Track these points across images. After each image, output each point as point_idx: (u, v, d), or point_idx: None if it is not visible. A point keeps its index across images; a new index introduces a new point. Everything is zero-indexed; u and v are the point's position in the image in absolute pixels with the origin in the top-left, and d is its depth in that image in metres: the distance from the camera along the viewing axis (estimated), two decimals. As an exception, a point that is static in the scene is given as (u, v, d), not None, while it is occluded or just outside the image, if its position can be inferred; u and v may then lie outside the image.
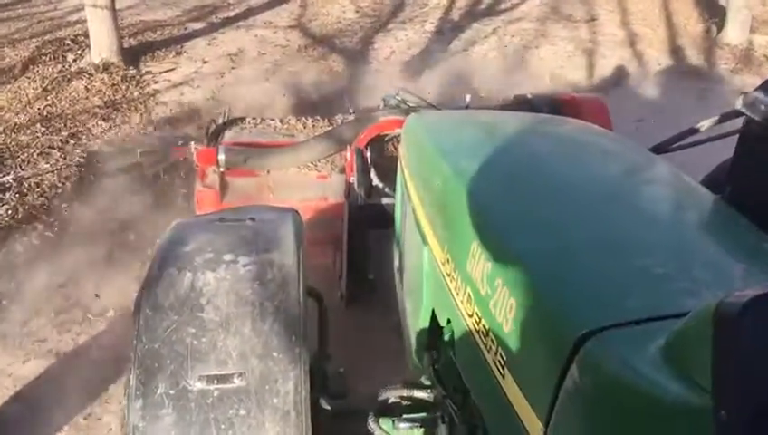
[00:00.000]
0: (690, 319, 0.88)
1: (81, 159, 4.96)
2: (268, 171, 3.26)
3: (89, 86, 6.07)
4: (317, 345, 2.00)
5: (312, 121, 3.63)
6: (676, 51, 7.27)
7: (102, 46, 6.49)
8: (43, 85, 6.03)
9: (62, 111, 5.69)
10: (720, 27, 7.54)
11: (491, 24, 8.21)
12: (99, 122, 5.51)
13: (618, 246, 1.28)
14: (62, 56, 6.64)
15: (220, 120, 3.60)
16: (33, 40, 7.19)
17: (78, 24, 7.33)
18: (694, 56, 7.11)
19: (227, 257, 1.67)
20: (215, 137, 3.38)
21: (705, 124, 2.03)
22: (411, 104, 3.32)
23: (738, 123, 1.65)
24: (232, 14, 8.42)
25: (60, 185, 4.64)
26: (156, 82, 6.37)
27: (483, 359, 1.30)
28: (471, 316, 1.38)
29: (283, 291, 1.60)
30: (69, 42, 7.03)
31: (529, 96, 3.44)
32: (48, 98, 5.85)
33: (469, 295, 1.39)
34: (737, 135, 1.63)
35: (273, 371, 1.48)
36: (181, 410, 1.45)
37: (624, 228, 1.36)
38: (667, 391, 0.87)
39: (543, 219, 1.41)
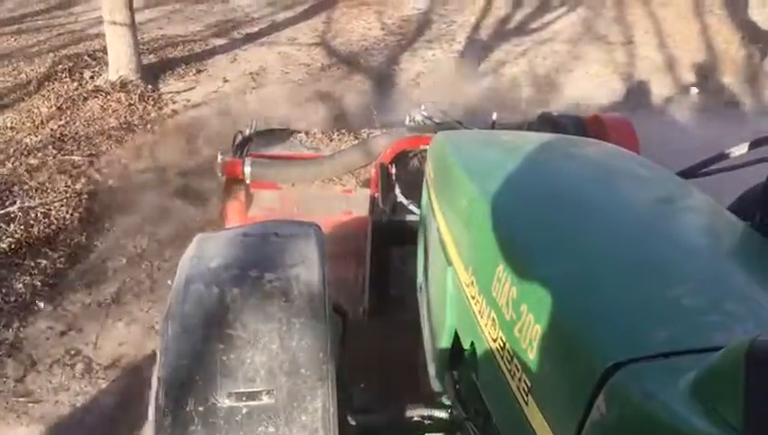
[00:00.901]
0: (722, 355, 0.85)
1: (92, 187, 4.60)
2: (293, 184, 3.20)
3: (105, 105, 5.73)
4: (341, 361, 1.91)
5: (338, 135, 3.56)
6: (717, 77, 6.81)
7: (121, 63, 6.15)
8: (58, 104, 5.69)
9: (76, 131, 5.34)
10: (764, 53, 7.07)
11: (521, 44, 7.80)
12: (113, 145, 5.16)
13: (647, 275, 1.23)
14: (79, 73, 6.31)
15: (247, 132, 3.49)
16: (51, 55, 6.87)
17: (98, 37, 7.00)
18: (736, 84, 6.64)
19: (253, 273, 1.65)
20: (240, 148, 3.29)
21: (734, 150, 1.99)
22: (437, 120, 3.23)
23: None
24: (255, 29, 8.07)
25: (68, 216, 4.28)
26: (174, 102, 6.02)
27: (506, 384, 1.27)
28: (495, 340, 1.34)
29: (309, 307, 1.58)
30: (87, 57, 6.70)
31: (555, 114, 3.35)
32: (62, 117, 5.52)
33: (494, 319, 1.36)
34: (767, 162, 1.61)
35: (302, 388, 1.46)
36: (210, 428, 1.43)
37: (653, 256, 1.30)
38: (696, 429, 0.84)
39: (571, 245, 1.36)
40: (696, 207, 1.60)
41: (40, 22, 8.15)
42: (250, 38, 7.76)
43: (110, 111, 5.65)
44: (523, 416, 1.19)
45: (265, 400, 1.45)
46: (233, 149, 3.30)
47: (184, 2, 9.04)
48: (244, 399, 1.45)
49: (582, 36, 8.05)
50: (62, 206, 4.35)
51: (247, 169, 3.06)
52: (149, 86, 6.17)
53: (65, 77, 6.19)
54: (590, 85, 6.68)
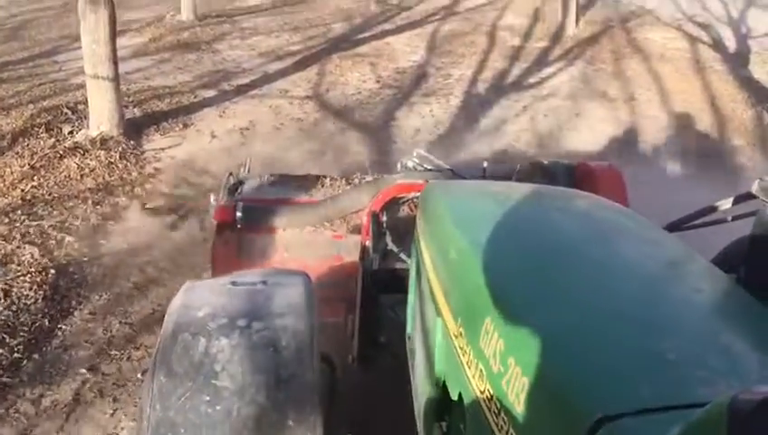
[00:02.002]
0: (705, 412, 0.84)
1: (60, 260, 4.09)
2: (284, 229, 3.14)
3: (82, 164, 5.25)
4: (329, 411, 1.80)
5: (330, 180, 3.46)
6: (726, 139, 6.43)
7: (102, 118, 5.70)
8: (32, 162, 5.21)
9: (50, 193, 4.85)
10: (772, 114, 6.75)
11: (520, 100, 7.44)
12: (88, 210, 4.66)
13: (633, 328, 1.24)
14: (58, 128, 5.84)
15: (241, 171, 3.44)
16: (30, 106, 6.42)
17: (81, 88, 6.53)
18: (747, 147, 6.27)
19: (241, 323, 1.62)
20: (232, 192, 3.23)
21: (719, 205, 2.01)
22: (428, 167, 3.21)
23: (752, 206, 1.69)
24: (246, 80, 7.67)
25: (32, 294, 3.77)
26: (157, 160, 5.55)
27: None
28: (483, 392, 1.33)
29: (297, 358, 1.56)
30: (67, 110, 6.24)
31: (545, 162, 3.29)
32: (35, 178, 5.02)
33: (481, 371, 1.34)
34: (750, 217, 1.66)
35: None
36: None
37: (639, 310, 1.31)
38: None
39: (558, 298, 1.37)
40: (682, 262, 1.59)
41: (22, 70, 7.72)
42: (240, 90, 7.35)
43: (87, 171, 5.17)
44: None
45: None
46: (223, 190, 3.24)
47: (173, 51, 8.66)
48: None
49: (582, 92, 7.70)
50: (25, 282, 3.83)
51: (239, 214, 3.00)
52: (132, 142, 5.71)
53: (42, 132, 5.72)
54: (595, 144, 6.28)
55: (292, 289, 1.80)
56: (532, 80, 8.11)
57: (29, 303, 3.71)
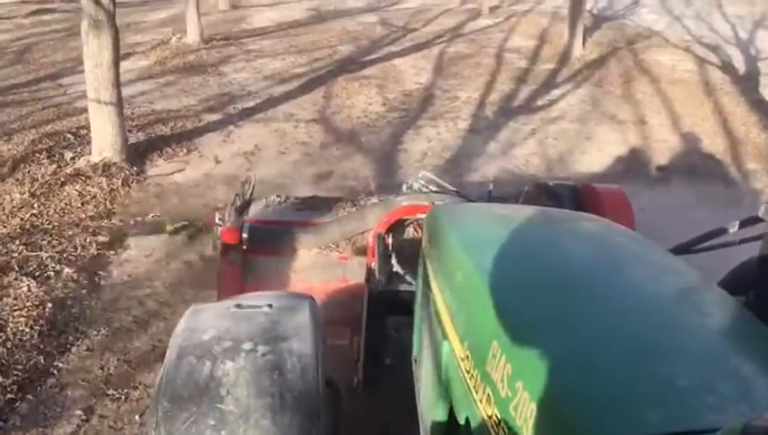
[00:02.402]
0: None
1: (58, 292, 3.94)
2: (290, 251, 3.12)
3: (83, 191, 5.12)
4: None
5: (336, 202, 3.46)
6: (741, 163, 6.27)
7: (104, 144, 5.58)
8: (32, 190, 5.07)
9: (49, 222, 4.71)
10: (787, 137, 6.59)
11: (528, 123, 7.30)
12: (88, 239, 4.52)
13: (641, 354, 1.23)
14: (60, 154, 5.72)
15: (246, 191, 3.34)
16: (32, 131, 6.31)
17: (84, 112, 6.39)
18: (762, 172, 6.09)
19: (246, 346, 1.62)
20: (238, 213, 3.16)
21: (726, 228, 1.98)
22: (433, 188, 3.16)
23: (760, 229, 1.69)
24: (251, 103, 7.56)
25: (27, 330, 3.61)
26: (159, 186, 5.41)
27: None
28: (490, 417, 1.30)
29: (302, 381, 1.54)
30: (70, 135, 6.14)
31: (550, 184, 3.28)
32: (35, 206, 4.89)
33: (489, 395, 1.32)
34: (758, 241, 1.67)
35: None
36: None
37: (647, 335, 1.30)
38: None
39: (566, 322, 1.35)
40: (689, 285, 1.58)
41: (26, 94, 7.63)
42: (245, 114, 7.24)
43: (88, 199, 5.03)
44: None
45: None
46: (229, 211, 3.17)
47: (178, 74, 8.57)
48: None
49: (591, 115, 7.57)
50: (21, 317, 3.68)
51: (245, 235, 2.99)
52: (134, 168, 5.58)
53: (44, 158, 5.60)
54: (605, 169, 6.13)
55: (297, 312, 1.79)
56: (540, 102, 7.99)
57: (24, 339, 3.55)
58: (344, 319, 2.87)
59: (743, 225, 2.03)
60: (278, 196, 3.53)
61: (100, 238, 4.54)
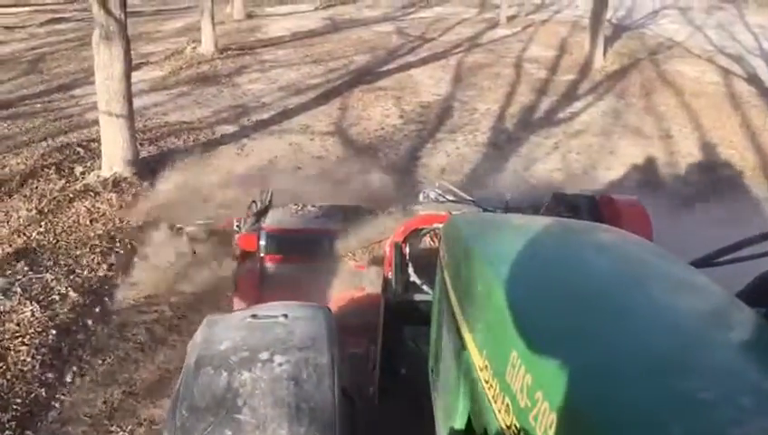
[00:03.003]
0: None
1: (62, 318, 3.74)
2: (306, 259, 3.12)
3: (92, 208, 4.94)
4: None
5: (353, 211, 3.48)
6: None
7: (115, 159, 5.40)
8: (40, 206, 4.89)
9: (56, 241, 4.52)
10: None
11: (550, 136, 7.06)
12: (96, 260, 4.33)
13: (661, 367, 1.19)
14: (69, 168, 5.54)
15: (265, 198, 3.42)
16: (42, 144, 6.14)
17: (96, 124, 6.23)
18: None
19: (263, 356, 1.62)
20: (255, 220, 3.23)
21: (747, 241, 1.98)
22: (450, 198, 3.21)
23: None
24: (266, 115, 7.37)
25: (29, 360, 3.41)
26: (171, 202, 5.20)
27: None
28: (509, 427, 1.28)
29: (318, 391, 1.56)
30: (80, 148, 5.97)
31: (569, 194, 3.28)
32: (42, 223, 4.71)
33: (508, 405, 1.30)
34: None
35: None
36: None
37: (667, 347, 1.27)
38: None
39: (586, 334, 1.32)
40: (709, 297, 1.57)
41: (38, 105, 7.48)
42: (260, 126, 7.05)
43: (97, 216, 4.85)
44: None
45: None
46: (246, 217, 3.23)
47: (192, 85, 8.40)
48: None
49: (615, 128, 7.31)
50: (23, 345, 3.48)
51: (262, 243, 3.03)
52: (146, 184, 5.39)
53: (53, 173, 5.42)
54: (630, 185, 5.86)
55: (313, 322, 1.79)
56: (561, 115, 7.74)
57: (26, 369, 3.35)
58: (360, 328, 2.83)
59: (765, 237, 1.98)
60: (295, 204, 3.50)
61: (108, 259, 4.35)
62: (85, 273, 4.18)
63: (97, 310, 3.86)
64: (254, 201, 3.41)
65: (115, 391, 3.29)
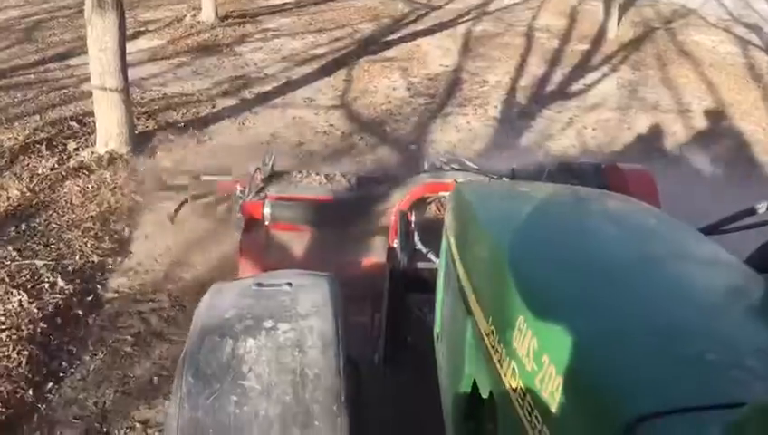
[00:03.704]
0: (747, 411, 0.83)
1: (52, 307, 3.49)
2: (311, 227, 3.12)
3: (86, 187, 4.66)
4: (355, 411, 1.71)
5: (358, 178, 3.43)
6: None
7: (110, 134, 5.10)
8: (31, 185, 4.62)
9: (47, 223, 4.26)
10: None
11: (564, 111, 6.73)
12: (89, 243, 4.07)
13: (668, 330, 1.20)
14: (63, 144, 5.25)
15: (267, 162, 3.34)
16: (35, 118, 5.83)
17: (91, 96, 5.90)
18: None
19: (267, 324, 1.62)
20: (259, 188, 3.17)
21: (758, 206, 1.96)
22: (456, 166, 3.15)
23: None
24: (267, 88, 7.04)
25: (14, 356, 3.17)
26: (170, 181, 4.91)
27: None
28: (515, 391, 1.29)
29: (323, 358, 1.55)
30: (74, 123, 5.66)
31: (574, 163, 3.22)
32: (33, 204, 4.44)
33: (514, 370, 1.30)
34: None
35: None
36: None
37: (675, 311, 1.28)
38: None
39: (593, 298, 1.34)
40: (716, 263, 1.54)
41: (32, 76, 7.14)
42: (261, 99, 6.72)
43: (90, 196, 4.58)
44: None
45: None
46: (249, 183, 3.20)
47: (192, 54, 8.04)
48: None
49: (631, 102, 6.97)
50: (9, 339, 3.24)
51: (267, 211, 3.00)
52: (142, 160, 5.10)
53: (46, 149, 5.13)
54: (650, 164, 5.55)
55: (318, 290, 1.79)
56: (575, 87, 7.40)
57: (11, 366, 3.11)
58: (365, 296, 2.82)
59: None
60: (299, 171, 3.49)
61: (102, 243, 4.08)
62: (77, 258, 3.92)
63: (89, 299, 3.61)
64: (257, 168, 3.32)
65: (107, 390, 3.06)
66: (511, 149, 5.75)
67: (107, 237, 4.15)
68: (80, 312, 3.51)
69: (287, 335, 1.60)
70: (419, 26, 9.75)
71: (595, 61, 8.27)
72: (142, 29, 8.85)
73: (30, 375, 3.09)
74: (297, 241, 3.11)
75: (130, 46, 7.90)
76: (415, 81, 7.49)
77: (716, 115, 6.54)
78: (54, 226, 4.24)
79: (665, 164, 5.48)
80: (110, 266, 3.91)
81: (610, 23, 9.22)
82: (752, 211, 1.99)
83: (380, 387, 2.47)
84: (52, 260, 3.86)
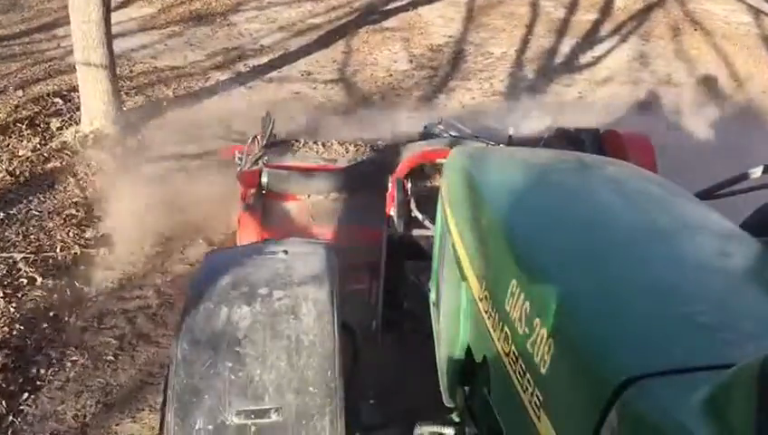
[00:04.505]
0: (734, 373, 0.83)
1: (28, 308, 3.20)
2: (309, 195, 3.11)
3: (69, 171, 4.34)
4: (350, 378, 1.74)
5: (355, 146, 3.45)
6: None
7: (95, 112, 4.76)
8: (11, 168, 4.29)
9: (27, 211, 3.95)
10: None
11: (573, 84, 6.38)
12: (71, 233, 3.76)
13: (661, 292, 1.20)
14: (45, 122, 4.90)
15: (266, 128, 3.34)
16: (18, 94, 5.46)
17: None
18: None
19: (262, 291, 1.62)
20: (257, 156, 3.15)
21: (753, 172, 1.94)
22: (453, 133, 3.13)
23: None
24: (263, 60, 6.66)
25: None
26: (159, 162, 4.59)
27: (518, 399, 1.23)
28: (508, 355, 1.31)
29: (318, 325, 1.55)
30: (59, 99, 5.30)
31: (572, 129, 3.15)
32: (13, 188, 4.12)
33: (506, 334, 1.32)
34: None
35: (310, 406, 1.44)
36: None
37: (668, 274, 1.26)
38: None
39: (585, 261, 1.34)
40: (710, 226, 1.53)
41: (16, 47, 6.75)
42: (257, 72, 6.35)
43: (75, 180, 4.26)
44: (536, 431, 1.15)
45: (274, 417, 1.41)
46: (247, 150, 3.19)
47: (185, 24, 7.62)
48: (252, 417, 1.41)
49: (643, 75, 6.61)
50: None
51: (264, 179, 2.98)
52: (130, 140, 4.76)
53: (27, 128, 4.79)
54: (667, 143, 5.22)
55: (313, 258, 1.78)
56: (583, 60, 7.02)
57: (-15, 380, 2.83)
58: (362, 264, 2.81)
59: (767, 169, 1.95)
60: (296, 140, 3.49)
61: (85, 233, 3.78)
62: (58, 250, 3.62)
63: (70, 297, 3.32)
64: (255, 136, 3.32)
65: (88, 401, 2.79)
66: (519, 126, 5.39)
67: (90, 226, 3.85)
68: (60, 309, 3.22)
69: (282, 302, 1.59)
70: (421, -6, 9.31)
71: (604, 31, 7.86)
72: (133, -4, 8.40)
73: (4, 384, 2.82)
74: (295, 209, 3.08)
75: (120, 15, 7.52)
76: (417, 52, 7.11)
77: (732, 90, 6.20)
78: (35, 213, 3.93)
79: (679, 139, 5.16)
80: (93, 259, 3.60)
81: (619, -10, 8.78)
82: (745, 176, 1.96)
83: (377, 353, 2.43)
84: (30, 253, 3.56)
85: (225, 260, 1.83)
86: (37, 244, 3.66)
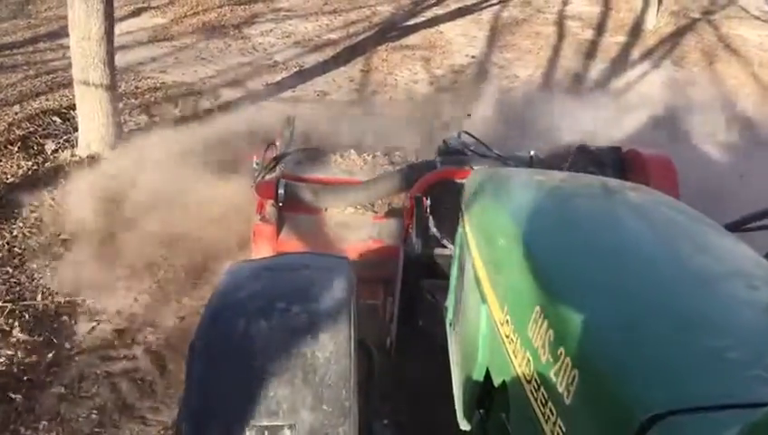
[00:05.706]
0: (765, 413, 0.77)
1: (7, 371, 2.77)
2: (326, 209, 3.03)
3: (60, 201, 3.92)
4: (366, 396, 1.72)
5: (373, 157, 3.46)
6: None
7: (93, 135, 4.35)
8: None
9: (11, 247, 3.52)
10: None
11: (604, 112, 5.90)
12: (56, 279, 3.33)
13: (689, 325, 1.14)
14: (40, 144, 4.48)
15: (287, 133, 3.28)
16: (15, 109, 5.06)
17: (80, 84, 5.15)
18: None
19: (280, 305, 1.57)
20: (272, 166, 3.03)
21: None
22: (473, 149, 3.07)
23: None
24: (277, 77, 6.25)
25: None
26: (158, 196, 4.15)
27: (539, 427, 1.17)
28: (529, 382, 1.24)
29: (334, 342, 1.49)
30: (56, 117, 4.88)
31: (593, 148, 3.04)
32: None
33: (528, 360, 1.26)
34: None
35: (323, 423, 1.39)
36: None
37: (695, 307, 1.21)
38: None
39: (611, 290, 1.28)
40: (737, 257, 1.46)
41: (19, 57, 6.37)
42: (270, 91, 5.93)
43: (65, 211, 3.84)
44: None
45: (287, 434, 1.37)
46: (265, 156, 3.12)
47: (196, 36, 7.23)
48: (265, 433, 1.37)
49: (678, 104, 6.12)
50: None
51: (281, 192, 2.88)
52: (128, 166, 4.30)
53: (19, 149, 4.38)
54: (707, 178, 4.74)
55: (332, 273, 1.71)
56: (614, 85, 6.56)
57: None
58: (377, 279, 2.76)
59: None
60: (314, 148, 3.43)
61: (70, 275, 3.34)
62: (39, 298, 3.19)
63: (46, 356, 2.88)
64: (270, 143, 3.23)
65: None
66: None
67: (78, 268, 3.40)
68: (34, 371, 2.78)
69: (300, 317, 1.54)
70: (442, 10, 8.88)
71: (634, 55, 7.42)
72: (144, 6, 8.02)
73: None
74: (311, 223, 3.00)
75: (129, 25, 7.13)
76: (438, 73, 6.68)
77: (743, 79, 5.71)
78: (18, 251, 3.49)
79: (720, 175, 4.67)
80: (76, 308, 3.16)
81: (649, 12, 8.32)
82: None
83: (392, 371, 2.39)
84: (9, 301, 3.12)
85: (245, 272, 1.75)
86: (18, 290, 3.22)
